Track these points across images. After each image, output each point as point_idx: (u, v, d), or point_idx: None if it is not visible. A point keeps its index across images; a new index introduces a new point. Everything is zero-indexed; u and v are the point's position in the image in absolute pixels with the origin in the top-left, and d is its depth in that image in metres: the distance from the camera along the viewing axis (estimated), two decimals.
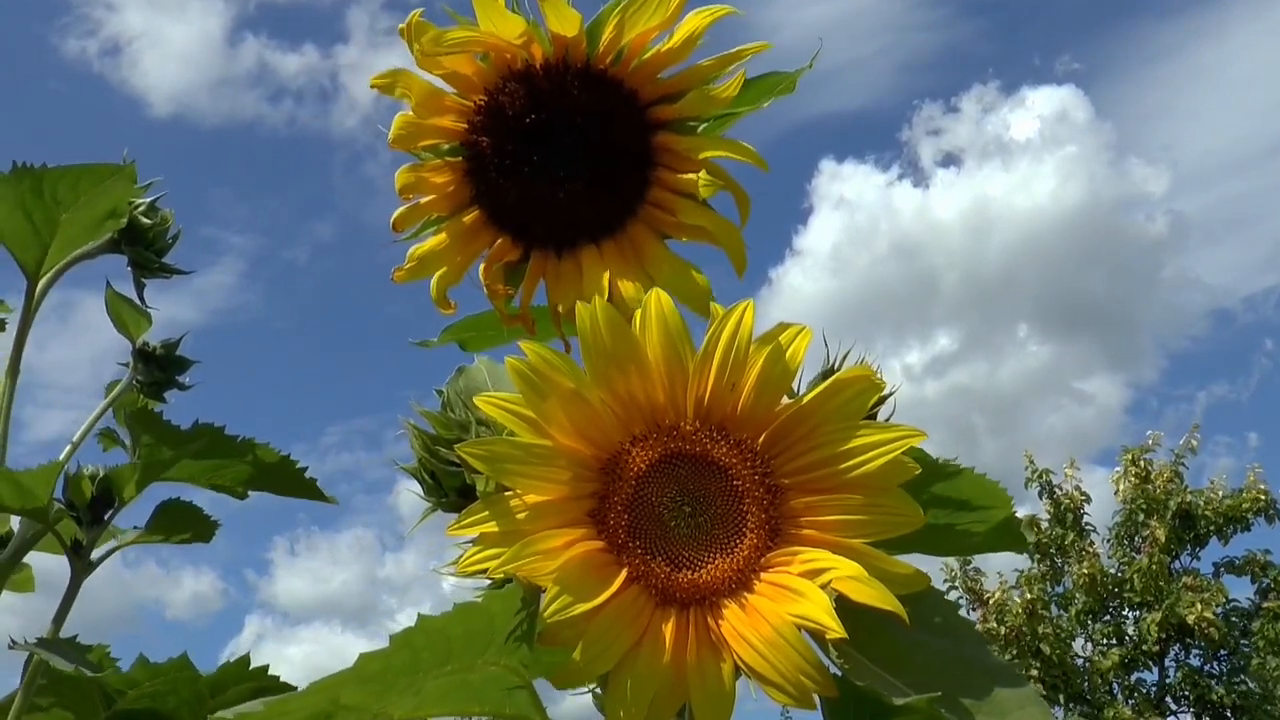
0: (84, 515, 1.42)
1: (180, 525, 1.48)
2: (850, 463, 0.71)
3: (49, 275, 1.38)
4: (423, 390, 0.88)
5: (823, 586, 0.69)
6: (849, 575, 0.70)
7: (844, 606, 0.69)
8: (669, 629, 0.71)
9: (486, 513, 0.72)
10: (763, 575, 0.72)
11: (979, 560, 13.22)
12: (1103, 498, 13.84)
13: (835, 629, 0.67)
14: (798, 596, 0.70)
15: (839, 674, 0.71)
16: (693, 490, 0.73)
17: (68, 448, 1.42)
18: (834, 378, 0.72)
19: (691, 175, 0.87)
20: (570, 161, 0.87)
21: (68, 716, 1.38)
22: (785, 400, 0.73)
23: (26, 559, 1.42)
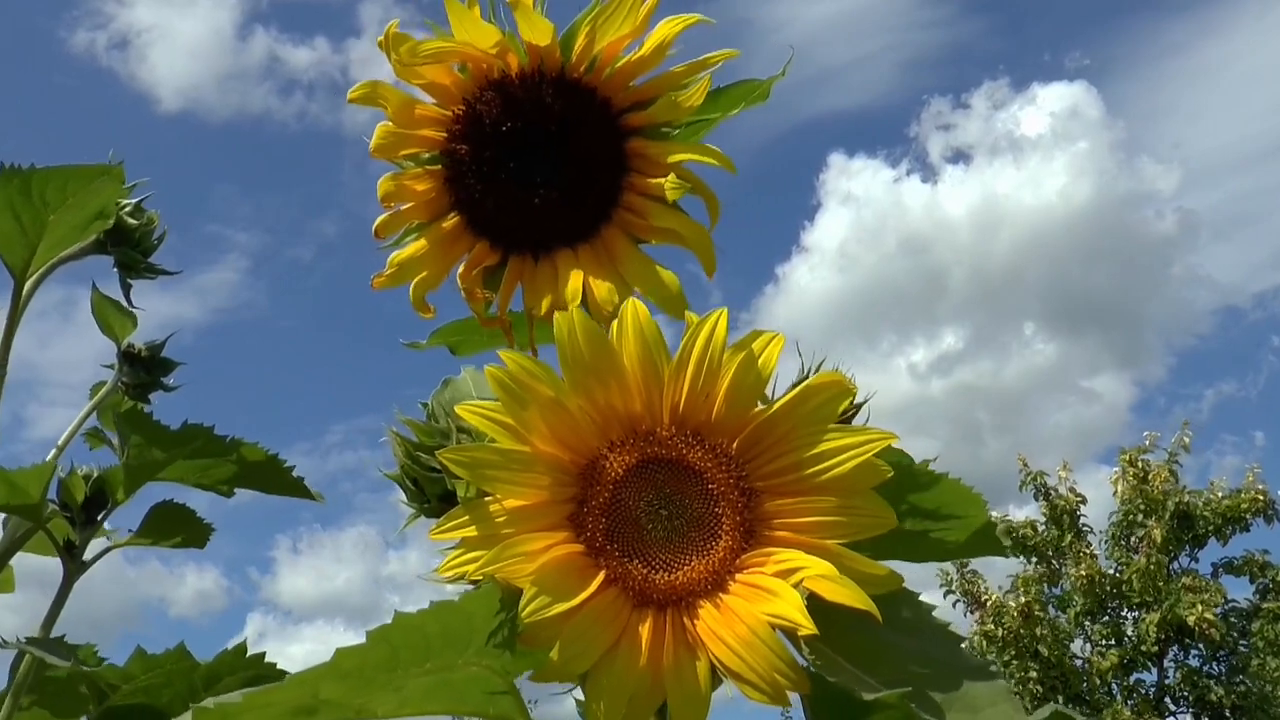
0: (77, 516, 1.42)
1: (172, 529, 1.48)
2: (822, 466, 0.72)
3: (36, 276, 1.38)
4: (425, 389, 0.89)
5: (795, 585, 0.70)
6: (821, 574, 0.70)
7: (819, 607, 0.70)
8: (646, 630, 0.72)
9: (467, 517, 0.73)
10: (738, 576, 0.73)
11: (977, 563, 13.23)
12: (1104, 498, 13.84)
13: (807, 626, 0.68)
14: (771, 596, 0.71)
15: (814, 672, 0.72)
16: (669, 494, 0.74)
17: (54, 450, 1.43)
18: (804, 384, 0.73)
19: (662, 179, 0.88)
20: (546, 168, 0.88)
21: (46, 715, 1.38)
22: (760, 406, 0.73)
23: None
